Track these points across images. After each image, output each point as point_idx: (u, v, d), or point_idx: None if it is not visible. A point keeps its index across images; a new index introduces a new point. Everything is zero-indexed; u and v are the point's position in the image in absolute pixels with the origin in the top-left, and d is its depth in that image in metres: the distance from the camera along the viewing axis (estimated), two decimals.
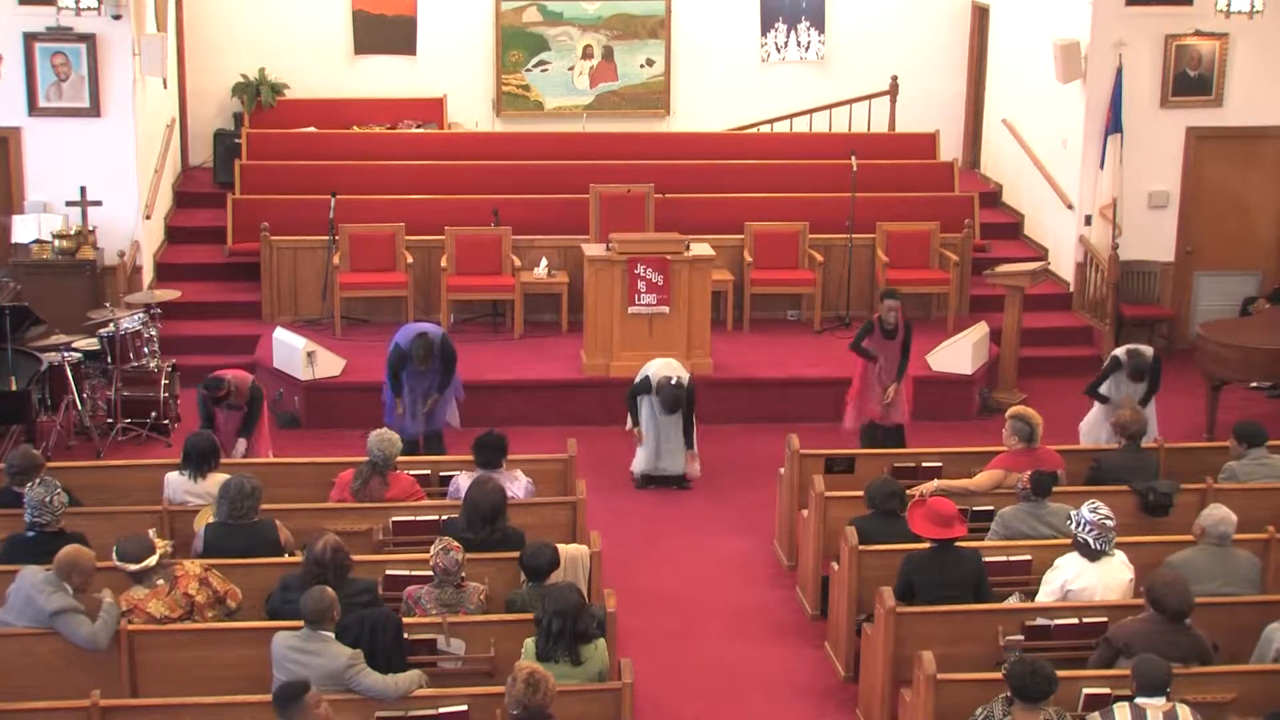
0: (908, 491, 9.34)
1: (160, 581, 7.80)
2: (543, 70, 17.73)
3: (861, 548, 8.87)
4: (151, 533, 8.33)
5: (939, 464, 10.26)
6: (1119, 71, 14.71)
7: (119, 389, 12.40)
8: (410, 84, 17.56)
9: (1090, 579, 8.25)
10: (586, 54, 17.76)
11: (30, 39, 13.86)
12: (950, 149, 17.43)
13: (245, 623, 7.93)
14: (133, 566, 7.76)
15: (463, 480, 9.52)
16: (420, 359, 11.27)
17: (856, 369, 12.01)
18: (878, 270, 14.80)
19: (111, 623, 7.64)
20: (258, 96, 17.02)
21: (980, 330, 13.87)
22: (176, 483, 9.28)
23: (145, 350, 12.59)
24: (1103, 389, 11.51)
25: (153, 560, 7.77)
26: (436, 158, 16.14)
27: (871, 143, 16.83)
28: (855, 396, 11.99)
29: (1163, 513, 9.57)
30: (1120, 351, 11.52)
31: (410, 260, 14.44)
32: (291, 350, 13.06)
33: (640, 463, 11.87)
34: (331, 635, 7.32)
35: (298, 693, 6.64)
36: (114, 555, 7.83)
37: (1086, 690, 7.42)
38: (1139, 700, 6.88)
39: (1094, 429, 11.57)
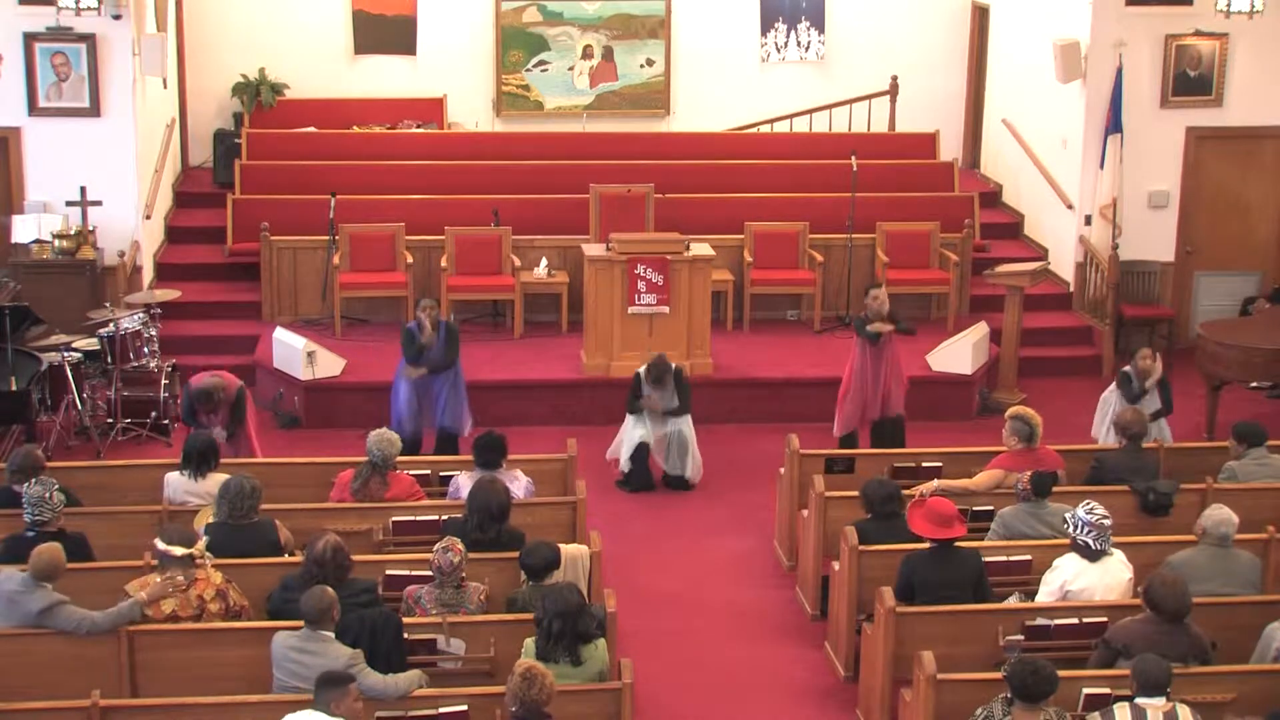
0: (906, 492, 9.34)
1: (179, 578, 7.80)
2: (543, 70, 17.73)
3: (862, 548, 8.87)
4: (200, 531, 8.34)
5: (939, 464, 10.26)
6: (1119, 71, 14.70)
7: (119, 389, 12.39)
8: (410, 84, 17.56)
9: (1090, 579, 8.25)
10: (586, 54, 17.76)
11: (30, 39, 13.84)
12: (950, 149, 17.43)
13: (245, 623, 7.92)
14: (162, 545, 7.76)
15: (463, 480, 9.52)
16: (424, 340, 11.50)
17: (848, 369, 11.94)
18: (878, 270, 14.76)
19: (122, 617, 7.64)
20: (257, 96, 17.01)
21: (980, 330, 13.87)
22: (176, 483, 9.28)
23: (145, 350, 12.58)
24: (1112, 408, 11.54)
25: (179, 551, 7.78)
26: (436, 158, 16.13)
27: (871, 143, 16.82)
28: (847, 399, 11.88)
29: (1163, 513, 9.57)
30: (1127, 368, 11.56)
31: (410, 260, 14.44)
32: (291, 350, 13.06)
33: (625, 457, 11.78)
34: (331, 635, 7.32)
35: (342, 680, 6.79)
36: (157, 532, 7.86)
37: (1086, 690, 7.42)
38: (1139, 700, 6.88)
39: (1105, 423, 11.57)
